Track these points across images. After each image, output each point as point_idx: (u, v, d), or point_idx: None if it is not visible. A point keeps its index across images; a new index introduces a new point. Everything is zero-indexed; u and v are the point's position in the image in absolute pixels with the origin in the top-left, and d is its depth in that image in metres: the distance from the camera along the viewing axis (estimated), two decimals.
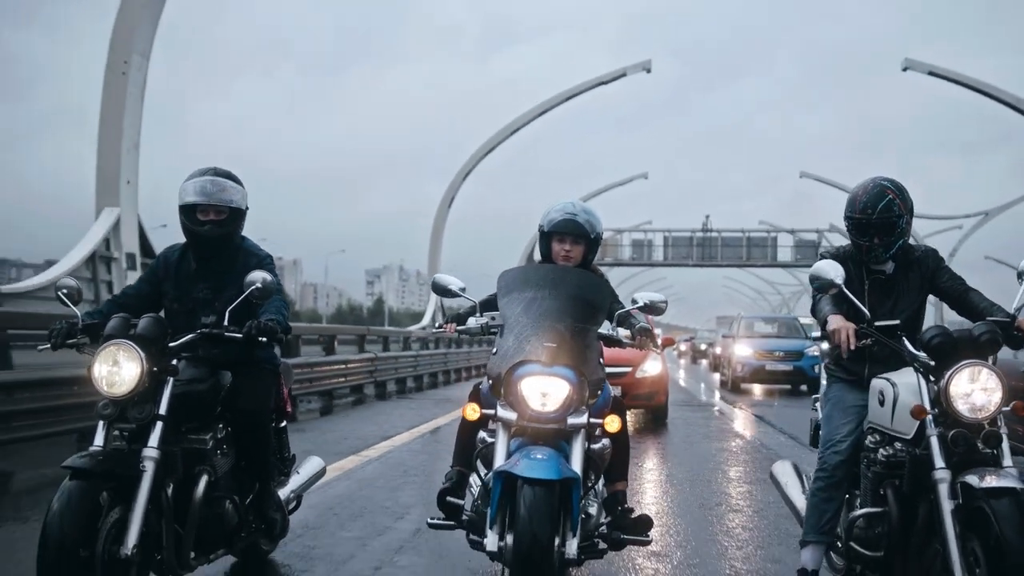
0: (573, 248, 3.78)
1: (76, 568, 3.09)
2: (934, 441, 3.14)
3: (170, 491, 3.47)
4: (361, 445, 8.29)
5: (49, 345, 3.78)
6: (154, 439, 3.40)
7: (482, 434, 3.60)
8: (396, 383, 16.19)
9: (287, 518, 4.28)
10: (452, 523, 3.66)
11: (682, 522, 5.46)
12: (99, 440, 3.45)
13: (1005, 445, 3.16)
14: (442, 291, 3.94)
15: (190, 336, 3.67)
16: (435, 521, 3.72)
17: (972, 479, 3.01)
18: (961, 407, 3.12)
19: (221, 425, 3.93)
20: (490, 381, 3.48)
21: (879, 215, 3.52)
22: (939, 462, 3.11)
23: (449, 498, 3.70)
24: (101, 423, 3.47)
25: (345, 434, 9.43)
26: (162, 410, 3.44)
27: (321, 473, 4.82)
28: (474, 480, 3.70)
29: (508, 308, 3.55)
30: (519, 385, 3.29)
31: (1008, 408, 3.20)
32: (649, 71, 31.16)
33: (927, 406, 3.19)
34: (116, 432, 3.47)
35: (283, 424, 4.44)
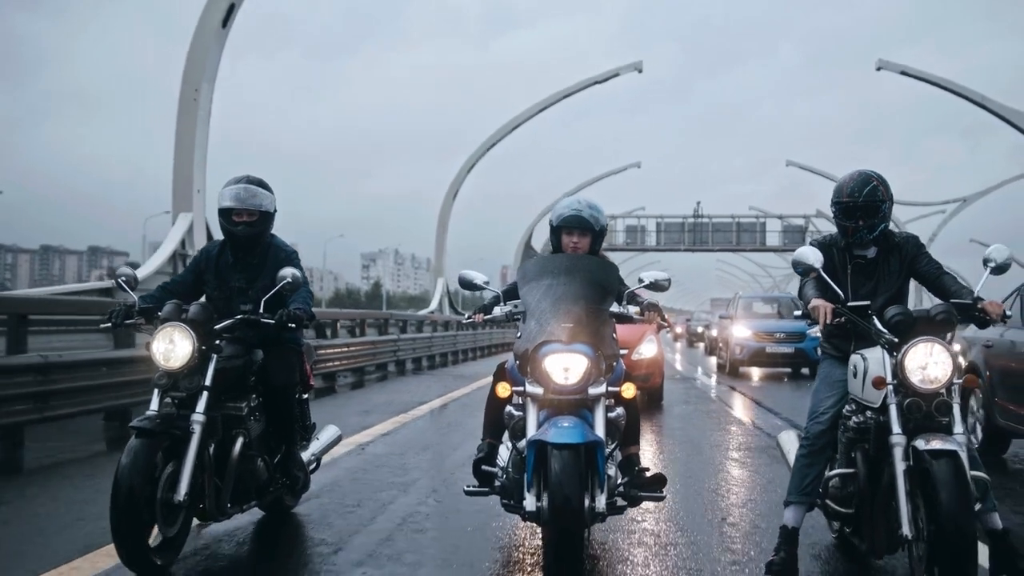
0: (580, 240, 4.08)
1: (141, 510, 3.63)
2: (892, 409, 3.44)
3: (211, 450, 4.00)
4: (405, 407, 10.22)
5: (109, 324, 4.34)
6: (201, 406, 3.94)
7: (509, 408, 3.86)
8: (413, 361, 18.06)
9: (308, 476, 4.80)
10: (486, 489, 4.00)
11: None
12: (154, 406, 3.97)
13: (956, 413, 3.43)
14: (468, 285, 4.35)
15: (231, 320, 4.21)
16: (471, 488, 4.06)
17: (920, 443, 3.30)
18: (915, 379, 3.39)
19: (254, 395, 4.44)
20: (517, 360, 3.79)
21: (865, 198, 3.81)
22: (896, 428, 3.41)
23: (483, 467, 4.03)
24: (156, 391, 4.00)
25: (389, 399, 11.35)
26: (207, 381, 3.98)
27: (337, 440, 5.31)
28: (504, 450, 3.98)
29: (529, 295, 3.85)
30: (543, 362, 3.58)
31: (960, 381, 3.52)
32: (640, 71, 32.78)
33: (888, 378, 3.47)
34: (168, 400, 3.98)
35: (305, 396, 4.89)
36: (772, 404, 11.71)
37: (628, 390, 3.70)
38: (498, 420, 3.97)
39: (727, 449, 7.76)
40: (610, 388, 3.66)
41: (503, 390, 3.74)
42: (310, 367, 4.90)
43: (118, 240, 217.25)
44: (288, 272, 4.27)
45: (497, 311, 4.20)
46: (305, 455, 4.75)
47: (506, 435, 3.93)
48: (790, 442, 4.42)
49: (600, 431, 3.56)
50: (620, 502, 3.92)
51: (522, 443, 3.58)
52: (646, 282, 4.11)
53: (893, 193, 3.88)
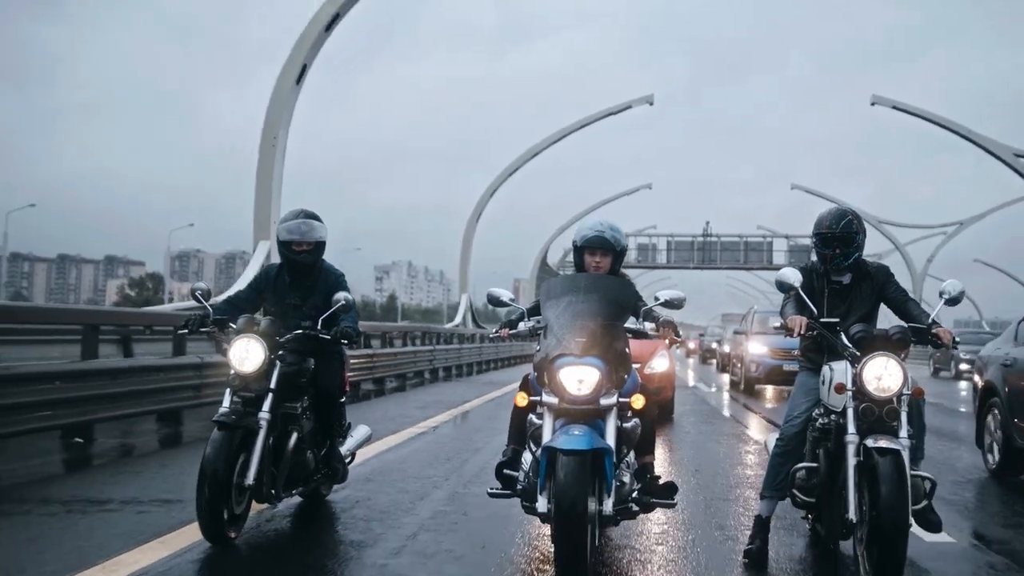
0: (602, 260, 4.34)
1: (221, 491, 4.18)
2: (849, 412, 3.85)
3: (271, 442, 4.48)
4: (453, 404, 12.38)
5: (187, 330, 4.93)
6: (267, 405, 4.46)
7: (531, 417, 4.04)
8: (443, 370, 20.18)
9: (347, 468, 5.35)
10: (509, 492, 4.18)
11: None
12: (226, 403, 4.49)
13: (903, 418, 3.86)
14: (495, 302, 4.60)
15: (294, 333, 4.76)
16: (494, 491, 4.25)
17: (870, 441, 3.74)
18: (871, 387, 3.81)
19: (305, 397, 4.93)
20: (536, 372, 4.01)
21: (841, 230, 4.27)
22: (851, 428, 3.83)
23: (506, 471, 4.23)
24: (228, 391, 4.53)
25: (437, 399, 13.50)
26: (273, 384, 4.52)
27: (368, 438, 5.83)
28: (526, 456, 4.16)
29: (549, 311, 4.08)
30: (558, 374, 3.79)
31: (909, 392, 3.89)
32: (652, 104, 35.06)
33: (848, 385, 3.89)
34: (236, 399, 4.49)
35: (342, 399, 5.34)
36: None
37: (638, 401, 3.92)
38: (521, 427, 4.20)
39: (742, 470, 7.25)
40: (621, 399, 3.88)
41: (522, 399, 4.01)
42: (346, 375, 5.45)
43: (134, 250, 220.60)
44: (342, 296, 4.91)
45: (522, 326, 4.40)
46: (342, 450, 5.29)
47: (530, 442, 4.11)
48: (773, 442, 4.76)
49: (610, 440, 3.79)
50: (633, 508, 4.12)
51: (538, 450, 3.83)
52: (662, 300, 4.32)
53: (865, 229, 4.41)
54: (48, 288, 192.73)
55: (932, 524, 3.93)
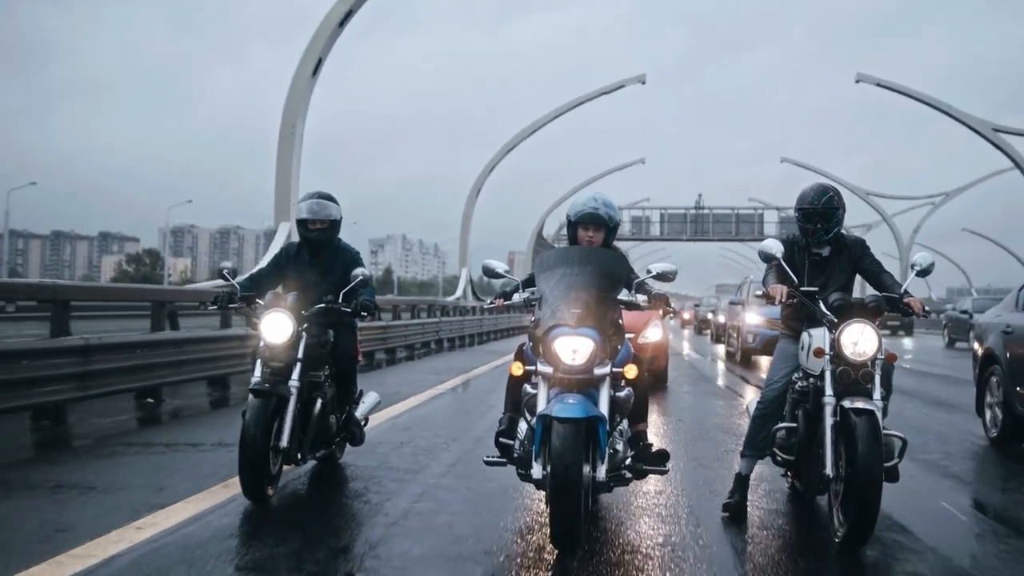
0: (595, 234, 4.40)
1: (260, 453, 4.52)
2: (827, 375, 4.06)
3: (298, 408, 4.79)
4: (464, 370, 13.55)
5: (216, 306, 5.30)
6: (296, 373, 4.79)
7: (527, 387, 4.15)
8: (448, 340, 21.26)
9: (364, 432, 5.68)
10: (505, 460, 4.29)
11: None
12: (257, 373, 4.81)
13: (876, 381, 4.06)
14: (490, 273, 4.68)
15: (317, 307, 5.06)
16: (491, 459, 4.37)
17: (846, 402, 3.95)
18: (847, 351, 4.04)
19: (327, 366, 5.24)
20: (531, 343, 4.17)
21: (823, 205, 4.45)
22: (828, 390, 4.04)
23: (502, 439, 4.33)
24: (259, 361, 4.84)
25: (448, 366, 14.69)
26: (300, 355, 4.84)
27: (378, 404, 6.12)
28: (522, 425, 4.22)
29: (544, 283, 4.17)
30: (553, 344, 3.88)
31: (883, 356, 4.10)
32: (644, 83, 36.13)
33: (826, 349, 4.09)
34: (267, 369, 4.81)
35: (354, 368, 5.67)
36: None
37: (631, 371, 4.02)
38: (516, 396, 4.31)
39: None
40: (614, 369, 3.99)
41: (517, 369, 4.10)
42: (358, 345, 5.77)
43: (128, 226, 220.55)
44: (360, 271, 5.25)
45: (516, 297, 4.47)
46: (356, 415, 5.63)
47: (525, 411, 4.21)
48: (753, 405, 5.03)
49: (604, 408, 3.89)
50: (627, 475, 4.23)
51: (533, 419, 3.92)
52: (654, 273, 4.38)
53: (845, 204, 4.58)
54: (43, 264, 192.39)
55: (893, 476, 4.08)
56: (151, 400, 8.50)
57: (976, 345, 7.96)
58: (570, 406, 3.72)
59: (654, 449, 4.41)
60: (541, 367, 3.96)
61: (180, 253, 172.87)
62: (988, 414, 7.31)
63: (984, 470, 6.51)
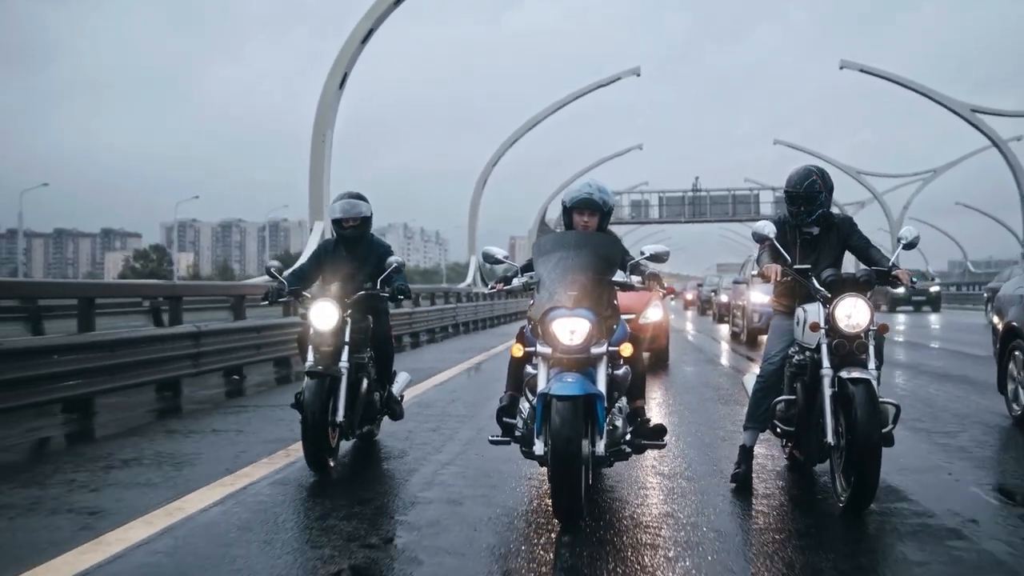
0: (590, 219, 4.53)
1: (320, 428, 4.99)
2: (823, 348, 4.25)
3: (347, 387, 5.23)
4: (483, 349, 15.30)
5: (267, 302, 5.97)
6: (344, 356, 5.23)
7: (528, 367, 4.32)
8: (463, 325, 22.98)
9: (402, 407, 6.10)
10: (507, 439, 4.43)
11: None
12: (310, 357, 5.25)
13: (871, 351, 4.24)
14: (491, 259, 4.80)
15: (359, 294, 5.47)
16: (495, 438, 4.51)
17: (843, 373, 4.13)
18: (842, 324, 4.22)
19: (369, 349, 5.63)
20: (531, 324, 4.32)
21: (805, 189, 4.62)
22: (825, 363, 4.23)
23: (505, 418, 4.49)
24: (311, 347, 5.27)
25: (468, 346, 16.49)
26: (346, 339, 5.27)
27: (409, 382, 6.50)
28: (523, 404, 4.39)
29: (541, 267, 4.31)
30: (551, 326, 4.05)
31: (875, 328, 4.28)
32: (639, 75, 37.74)
33: (822, 323, 4.27)
34: (318, 354, 5.24)
35: None
36: None
37: (626, 349, 4.16)
38: (518, 376, 4.46)
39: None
40: (611, 348, 4.11)
41: (517, 351, 4.26)
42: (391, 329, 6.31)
43: (130, 222, 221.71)
44: (394, 259, 5.69)
45: (516, 282, 4.56)
46: (393, 391, 6.07)
47: (526, 391, 4.35)
48: (751, 381, 5.17)
49: (601, 386, 4.01)
50: (626, 449, 4.35)
51: (534, 398, 4.05)
52: (647, 254, 4.46)
53: (833, 184, 4.73)
54: (47, 263, 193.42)
55: (889, 441, 4.19)
56: (236, 376, 10.33)
57: (995, 318, 7.59)
58: (568, 384, 3.87)
59: (652, 424, 4.58)
60: (540, 348, 4.12)
61: (183, 248, 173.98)
62: (1011, 390, 6.92)
63: (1008, 452, 6.04)
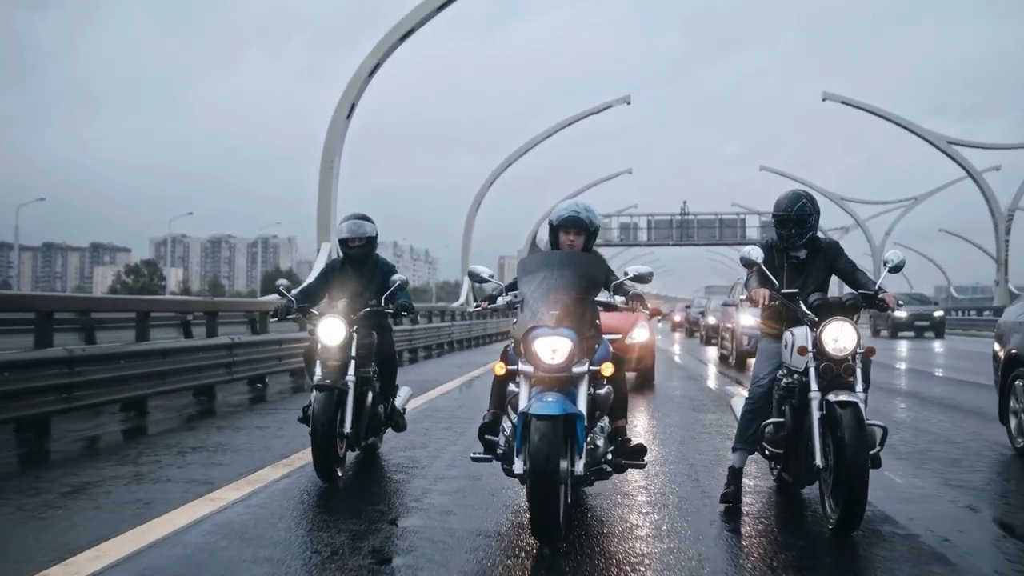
0: (576, 238, 4.61)
1: (329, 439, 5.21)
2: (811, 371, 4.31)
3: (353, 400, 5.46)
4: (478, 365, 16.38)
5: (276, 318, 6.15)
6: (351, 370, 5.43)
7: (511, 386, 4.37)
8: (458, 342, 24.14)
9: (405, 419, 6.31)
10: (489, 456, 4.51)
11: None
12: (318, 371, 5.44)
13: (858, 374, 4.29)
14: (476, 278, 4.88)
15: (365, 311, 5.66)
16: (477, 455, 4.59)
17: (831, 396, 4.20)
18: (829, 348, 4.28)
19: (373, 363, 5.85)
20: (513, 343, 4.39)
21: (796, 213, 4.71)
22: (813, 386, 4.29)
23: (487, 435, 4.55)
24: (319, 362, 5.47)
25: (464, 361, 17.62)
26: (353, 353, 5.47)
27: (410, 396, 6.70)
28: (506, 422, 4.46)
29: (525, 286, 4.37)
30: (533, 344, 4.08)
31: (862, 351, 4.33)
32: (629, 103, 39.22)
33: (809, 347, 4.32)
34: (325, 368, 5.43)
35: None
36: None
37: (607, 368, 4.14)
38: (501, 393, 4.52)
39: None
40: (592, 367, 4.12)
41: (500, 369, 4.26)
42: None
43: (119, 236, 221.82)
44: (398, 277, 5.87)
45: (501, 300, 4.65)
46: (397, 405, 6.28)
47: (509, 409, 4.38)
48: (738, 403, 5.23)
49: (582, 405, 4.04)
50: (607, 469, 4.37)
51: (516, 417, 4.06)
52: (631, 275, 4.50)
53: (819, 208, 4.82)
54: (35, 276, 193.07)
55: (876, 463, 4.25)
56: (260, 384, 11.44)
57: (997, 346, 7.30)
58: (548, 403, 3.88)
59: (633, 444, 4.62)
60: (522, 366, 4.13)
61: (171, 263, 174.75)
62: (1013, 422, 6.69)
63: (1009, 485, 5.89)
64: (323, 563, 3.82)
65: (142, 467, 6.00)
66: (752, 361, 5.58)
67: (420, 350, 20.12)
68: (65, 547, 3.95)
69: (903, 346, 25.53)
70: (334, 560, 3.86)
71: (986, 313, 38.63)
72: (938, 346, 26.09)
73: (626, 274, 4.56)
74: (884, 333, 31.64)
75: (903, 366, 17.36)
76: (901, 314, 29.44)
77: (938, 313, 32.03)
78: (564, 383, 4.08)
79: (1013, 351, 6.81)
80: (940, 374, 15.96)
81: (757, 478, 5.48)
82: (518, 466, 4.02)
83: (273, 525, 4.43)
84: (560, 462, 3.85)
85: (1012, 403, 6.76)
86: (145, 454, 6.52)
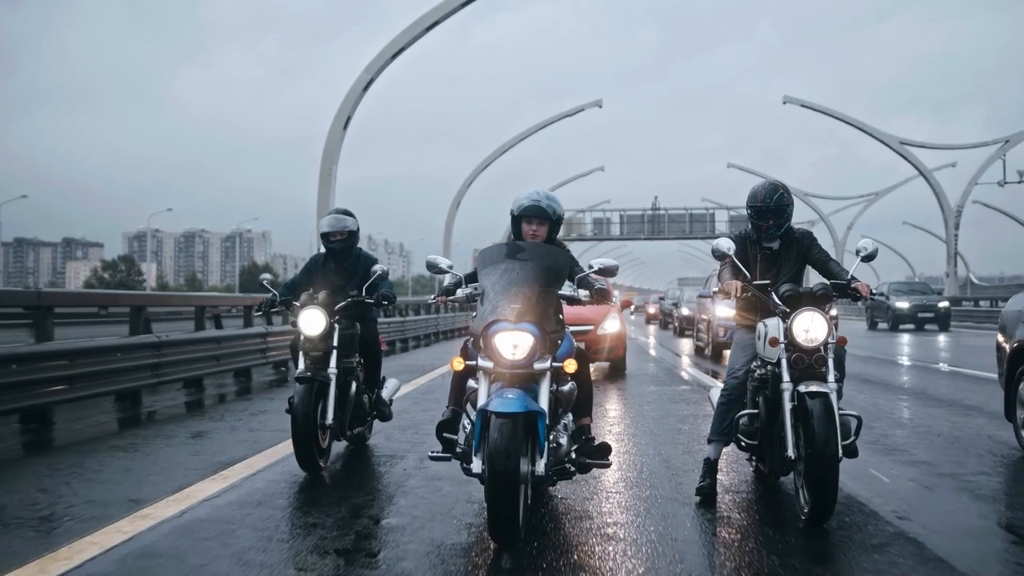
0: (539, 228, 4.46)
1: (310, 430, 5.26)
2: (783, 362, 4.31)
3: (336, 390, 5.47)
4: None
5: (260, 312, 6.28)
6: (333, 361, 5.47)
7: (470, 382, 4.23)
8: (441, 333, 25.11)
9: (391, 409, 6.31)
10: (448, 455, 4.37)
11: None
12: (301, 363, 5.50)
13: (830, 364, 4.29)
14: (434, 269, 4.70)
15: (345, 301, 5.70)
16: (435, 453, 4.46)
17: (802, 387, 4.20)
18: (800, 339, 4.29)
19: (357, 354, 5.91)
20: (472, 338, 4.18)
21: (774, 203, 4.69)
22: (785, 377, 4.29)
23: (445, 434, 4.41)
24: (301, 352, 5.53)
25: (453, 349, 18.16)
26: (335, 344, 5.50)
27: (398, 388, 6.72)
28: (465, 420, 4.33)
29: (486, 278, 4.19)
30: (493, 339, 3.93)
31: (834, 341, 4.34)
32: (601, 107, 40.24)
33: (781, 338, 4.33)
34: (307, 359, 5.49)
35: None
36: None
37: (570, 365, 4.02)
38: (460, 390, 4.41)
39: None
40: (555, 363, 4.01)
41: (458, 364, 4.15)
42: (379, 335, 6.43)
43: (92, 231, 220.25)
44: (379, 267, 5.92)
45: (460, 292, 4.45)
46: (383, 396, 6.28)
47: (468, 406, 4.28)
48: (715, 394, 5.20)
49: (544, 403, 3.93)
50: (570, 468, 4.26)
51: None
52: (596, 268, 4.40)
53: (793, 200, 4.80)
54: (6, 272, 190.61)
55: (852, 453, 4.30)
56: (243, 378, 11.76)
57: (1001, 338, 6.82)
58: (508, 400, 3.76)
59: (597, 442, 4.49)
60: (482, 362, 3.99)
61: (144, 258, 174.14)
62: (1021, 418, 6.28)
63: (1019, 485, 5.59)
64: (306, 551, 3.88)
65: (173, 441, 6.70)
66: (728, 352, 5.34)
67: (411, 340, 21.44)
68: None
69: (904, 340, 23.01)
70: (317, 546, 3.95)
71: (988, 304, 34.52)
72: (942, 340, 23.09)
73: (591, 267, 4.47)
74: (883, 326, 29.52)
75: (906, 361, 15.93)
76: (903, 305, 28.27)
77: (943, 304, 29.42)
78: (525, 379, 3.96)
79: (1019, 343, 6.31)
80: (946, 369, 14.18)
81: (733, 472, 5.45)
82: (476, 465, 3.91)
83: (256, 511, 4.57)
84: (520, 461, 3.74)
85: (1019, 398, 6.27)
86: (178, 428, 7.21)
